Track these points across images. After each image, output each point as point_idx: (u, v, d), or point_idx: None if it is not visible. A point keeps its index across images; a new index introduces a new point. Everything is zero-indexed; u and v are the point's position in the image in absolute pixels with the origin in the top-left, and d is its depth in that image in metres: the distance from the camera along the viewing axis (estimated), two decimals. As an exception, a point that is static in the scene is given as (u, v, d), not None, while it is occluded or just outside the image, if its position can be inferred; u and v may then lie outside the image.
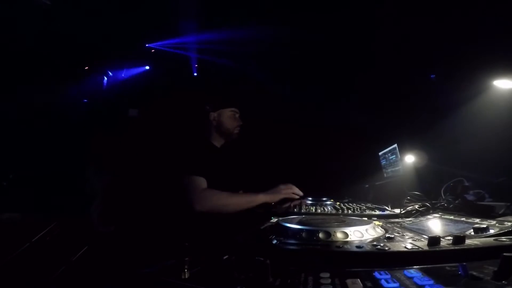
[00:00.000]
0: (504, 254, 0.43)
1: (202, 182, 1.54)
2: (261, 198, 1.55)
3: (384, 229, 0.88)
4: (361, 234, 0.75)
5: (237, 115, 1.86)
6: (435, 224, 1.03)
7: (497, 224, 0.83)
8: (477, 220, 0.93)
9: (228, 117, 1.82)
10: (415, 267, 0.50)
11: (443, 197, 1.50)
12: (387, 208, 1.51)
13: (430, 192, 1.71)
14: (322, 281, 0.46)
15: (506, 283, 0.41)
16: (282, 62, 4.44)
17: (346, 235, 0.74)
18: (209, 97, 1.89)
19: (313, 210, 1.52)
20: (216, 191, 1.54)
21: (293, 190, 1.62)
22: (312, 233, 0.75)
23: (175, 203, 1.55)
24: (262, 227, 1.00)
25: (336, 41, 4.04)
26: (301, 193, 1.64)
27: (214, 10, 4.07)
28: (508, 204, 1.09)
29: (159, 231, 1.59)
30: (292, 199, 1.63)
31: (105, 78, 4.62)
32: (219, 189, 1.55)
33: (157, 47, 4.83)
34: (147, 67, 5.04)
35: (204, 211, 1.45)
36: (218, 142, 1.85)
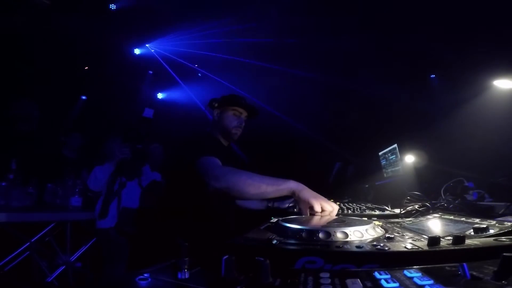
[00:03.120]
0: (504, 254, 0.43)
1: (218, 162, 1.42)
2: (291, 185, 1.23)
3: (384, 229, 0.88)
4: (361, 234, 0.75)
5: (242, 116, 1.78)
6: (435, 224, 1.03)
7: (497, 224, 0.83)
8: (477, 220, 0.93)
9: (228, 116, 1.75)
10: (415, 267, 0.50)
11: (443, 197, 1.50)
12: (387, 208, 1.51)
13: (430, 192, 1.71)
14: (322, 281, 0.46)
15: (506, 283, 0.41)
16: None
17: (346, 235, 0.74)
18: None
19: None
20: (233, 168, 1.39)
21: (330, 214, 1.16)
22: (312, 233, 0.74)
23: (187, 189, 1.47)
24: (262, 227, 1.00)
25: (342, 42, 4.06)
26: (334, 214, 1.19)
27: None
28: (508, 204, 1.09)
29: (164, 229, 1.57)
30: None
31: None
32: None
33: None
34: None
35: (219, 187, 1.28)
36: (224, 142, 1.81)
